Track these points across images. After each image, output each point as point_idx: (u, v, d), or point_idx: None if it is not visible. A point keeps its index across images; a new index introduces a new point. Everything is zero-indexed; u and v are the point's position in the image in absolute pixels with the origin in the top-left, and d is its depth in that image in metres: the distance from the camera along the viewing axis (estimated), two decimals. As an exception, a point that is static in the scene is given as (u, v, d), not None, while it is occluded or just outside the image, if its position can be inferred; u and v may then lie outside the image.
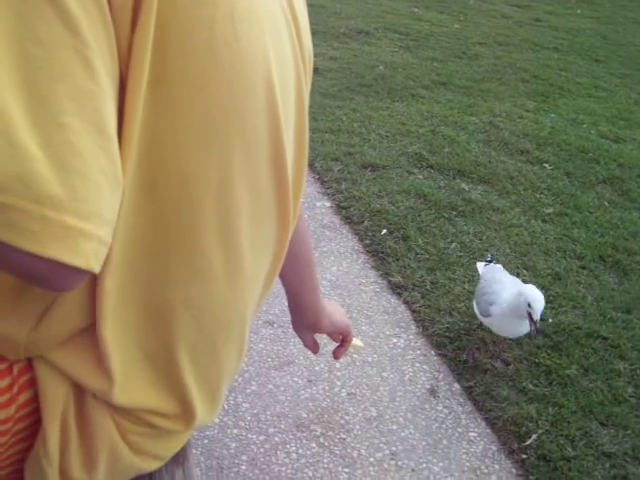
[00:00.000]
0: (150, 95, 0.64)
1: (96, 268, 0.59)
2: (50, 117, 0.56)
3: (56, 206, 0.55)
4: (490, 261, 2.59)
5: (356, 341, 1.31)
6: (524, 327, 2.24)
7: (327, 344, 2.40)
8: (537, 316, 2.14)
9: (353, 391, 2.23)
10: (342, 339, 1.28)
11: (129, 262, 0.70)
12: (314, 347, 1.27)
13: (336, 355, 1.29)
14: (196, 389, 0.81)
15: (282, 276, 1.12)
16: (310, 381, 2.25)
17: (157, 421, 0.80)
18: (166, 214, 0.69)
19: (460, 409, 2.20)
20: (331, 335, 1.27)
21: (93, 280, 0.68)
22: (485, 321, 2.33)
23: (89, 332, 0.72)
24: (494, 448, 2.07)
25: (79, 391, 0.76)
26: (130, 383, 0.75)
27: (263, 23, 0.71)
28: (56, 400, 0.74)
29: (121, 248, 0.68)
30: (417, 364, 2.38)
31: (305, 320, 1.20)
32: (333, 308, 1.23)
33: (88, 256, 0.58)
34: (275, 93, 0.73)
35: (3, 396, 0.73)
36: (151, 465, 0.86)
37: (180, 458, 0.93)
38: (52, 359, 0.73)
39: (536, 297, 2.16)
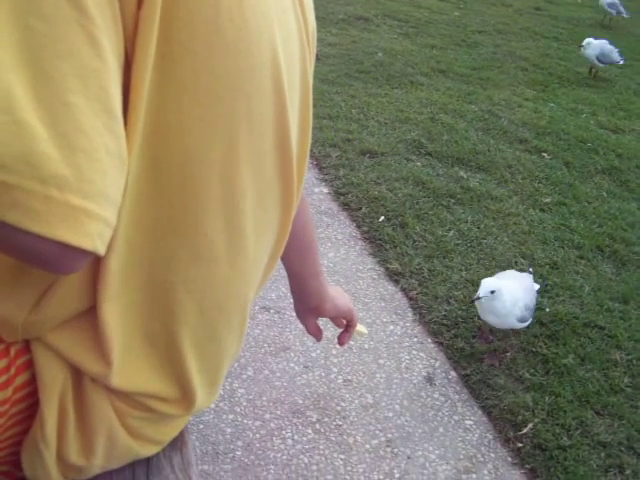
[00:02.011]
0: (156, 74, 0.62)
1: (102, 250, 0.58)
2: (55, 95, 0.54)
3: (61, 186, 0.54)
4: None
5: (360, 327, 1.29)
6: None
7: (324, 330, 2.39)
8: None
9: (349, 378, 2.22)
10: (346, 324, 1.26)
11: (132, 243, 0.69)
12: (317, 333, 1.25)
13: (341, 341, 1.26)
14: (197, 373, 0.80)
15: (285, 260, 1.11)
16: (306, 367, 2.24)
17: (156, 405, 0.79)
18: (170, 195, 0.68)
19: (456, 397, 2.20)
20: (334, 320, 1.25)
21: (93, 262, 0.67)
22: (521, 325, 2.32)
23: (88, 315, 0.71)
24: (490, 436, 2.07)
25: (77, 374, 0.74)
26: (129, 367, 0.74)
27: (269, 1, 0.70)
28: (53, 383, 0.73)
29: (124, 229, 0.67)
30: (414, 352, 2.38)
31: (308, 304, 1.19)
32: (337, 292, 1.21)
33: (94, 237, 0.56)
34: (281, 72, 0.72)
35: (0, 378, 0.72)
36: (149, 450, 0.85)
37: (178, 443, 0.93)
38: (50, 341, 0.72)
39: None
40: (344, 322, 1.26)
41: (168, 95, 0.64)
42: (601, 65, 5.55)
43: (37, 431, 0.75)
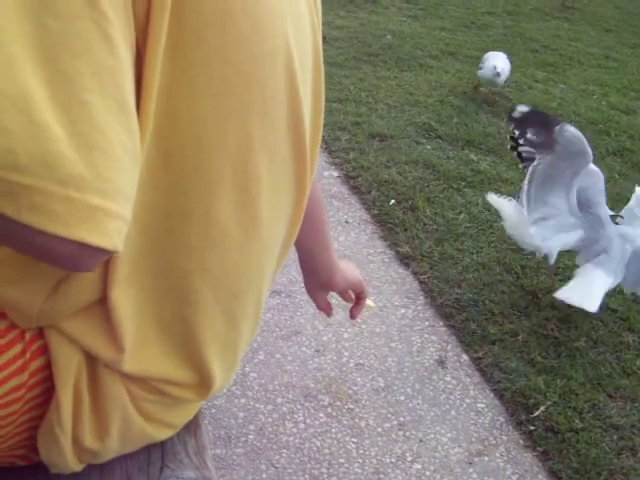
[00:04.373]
0: (167, 63, 0.62)
1: (120, 247, 0.58)
2: (72, 94, 0.54)
3: (80, 186, 0.54)
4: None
5: (369, 301, 1.29)
6: None
7: (334, 314, 2.39)
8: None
9: (361, 361, 2.23)
10: (357, 297, 1.25)
11: (144, 231, 0.68)
12: (327, 309, 1.24)
13: (353, 314, 1.25)
14: (214, 359, 0.80)
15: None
16: (318, 351, 2.24)
17: (171, 390, 0.79)
18: (182, 184, 0.68)
19: (468, 380, 2.20)
20: (343, 294, 1.24)
21: None
22: None
23: (101, 302, 0.71)
24: (502, 419, 2.07)
25: (91, 358, 0.75)
26: (143, 353, 0.74)
27: None
28: (68, 367, 0.73)
29: (137, 216, 0.66)
30: (425, 335, 2.38)
31: (318, 278, 1.18)
32: (346, 265, 1.21)
33: (113, 236, 0.56)
34: (293, 58, 0.72)
35: (15, 363, 0.72)
36: (164, 434, 0.85)
37: (192, 427, 0.93)
38: (63, 327, 0.72)
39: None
40: (352, 296, 1.25)
41: (181, 84, 0.63)
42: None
43: (53, 416, 0.75)
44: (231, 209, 0.72)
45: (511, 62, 4.27)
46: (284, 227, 0.84)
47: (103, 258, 0.60)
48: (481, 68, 4.23)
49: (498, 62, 4.09)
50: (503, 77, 4.15)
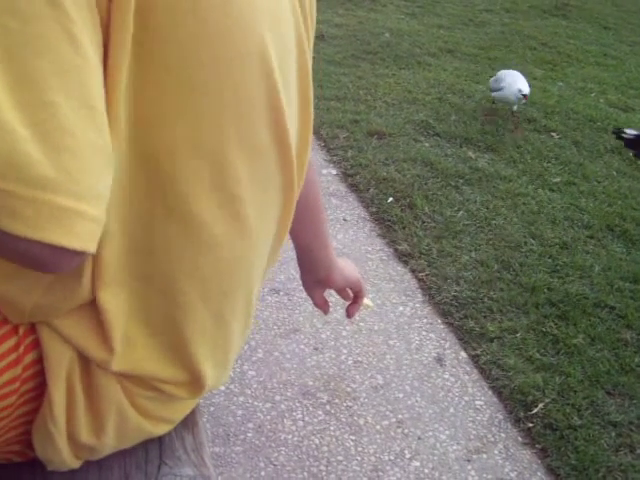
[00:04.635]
0: (135, 64, 0.62)
1: (92, 249, 0.58)
2: (36, 95, 0.54)
3: (49, 188, 0.53)
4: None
5: (367, 300, 1.28)
6: None
7: (333, 312, 2.40)
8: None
9: (359, 359, 2.23)
10: (354, 296, 1.25)
11: (127, 234, 0.68)
12: (324, 306, 1.24)
13: (350, 313, 1.25)
14: (204, 359, 0.80)
15: (293, 232, 1.10)
16: (316, 349, 2.24)
17: (164, 387, 0.79)
18: (160, 185, 0.68)
19: (467, 377, 2.20)
20: (341, 292, 1.24)
21: None
22: None
23: (92, 302, 0.71)
24: (500, 417, 2.07)
25: (84, 354, 0.74)
26: (132, 353, 0.74)
27: None
28: (60, 363, 0.73)
29: (119, 221, 0.67)
30: (424, 332, 2.38)
31: (316, 275, 1.18)
32: (345, 263, 1.20)
33: (84, 237, 0.56)
34: (270, 60, 0.71)
35: (10, 356, 0.72)
36: (161, 429, 0.85)
37: (190, 424, 0.93)
38: (55, 325, 0.72)
39: None
40: (350, 294, 1.24)
41: (150, 86, 0.63)
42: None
43: (46, 411, 0.75)
44: (213, 209, 0.71)
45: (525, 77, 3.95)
46: (273, 226, 0.83)
47: (78, 259, 0.59)
48: (499, 89, 3.86)
49: (521, 85, 3.77)
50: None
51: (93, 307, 0.71)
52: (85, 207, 0.55)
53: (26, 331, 0.74)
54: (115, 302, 0.71)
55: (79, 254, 0.57)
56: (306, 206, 1.02)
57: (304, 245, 1.14)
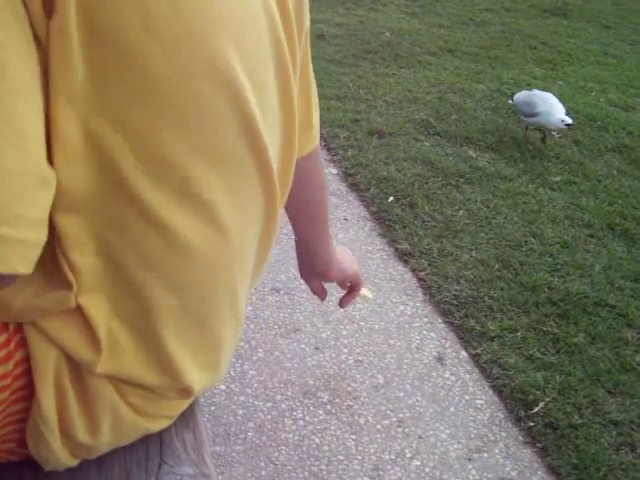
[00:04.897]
0: (89, 79, 0.61)
1: (23, 270, 0.59)
2: None
3: None
4: None
5: (365, 291, 1.27)
6: None
7: (334, 311, 2.40)
8: None
9: (360, 358, 2.23)
10: (350, 287, 1.24)
11: (102, 242, 0.69)
12: (321, 293, 1.23)
13: (342, 303, 1.24)
14: (187, 363, 0.79)
15: (293, 224, 1.09)
16: (317, 348, 2.24)
17: (153, 388, 0.79)
18: (127, 194, 0.67)
19: (467, 377, 2.20)
20: (341, 284, 1.23)
21: None
22: None
23: (78, 307, 0.72)
24: (501, 416, 2.07)
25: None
26: (116, 356, 0.74)
27: None
28: (46, 362, 0.73)
29: (92, 228, 0.67)
30: (424, 332, 2.38)
31: (313, 269, 1.17)
32: (343, 255, 1.19)
33: (10, 260, 0.57)
34: (233, 70, 0.69)
35: (0, 352, 0.72)
36: (159, 424, 0.85)
37: (190, 422, 0.93)
38: (42, 327, 0.73)
39: None
40: (348, 285, 1.24)
41: (105, 100, 0.63)
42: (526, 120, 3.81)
43: (36, 410, 0.75)
44: (185, 215, 0.71)
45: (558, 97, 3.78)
46: (257, 232, 0.82)
47: (9, 280, 0.60)
48: (534, 115, 3.64)
49: (561, 113, 3.57)
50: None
51: (78, 311, 0.71)
52: (11, 231, 0.56)
53: (16, 328, 0.73)
54: (97, 308, 0.71)
55: (9, 276, 0.58)
56: (304, 197, 1.01)
57: (301, 236, 1.13)
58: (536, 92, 3.83)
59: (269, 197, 0.81)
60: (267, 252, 0.89)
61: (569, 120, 3.57)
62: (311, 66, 0.97)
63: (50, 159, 0.62)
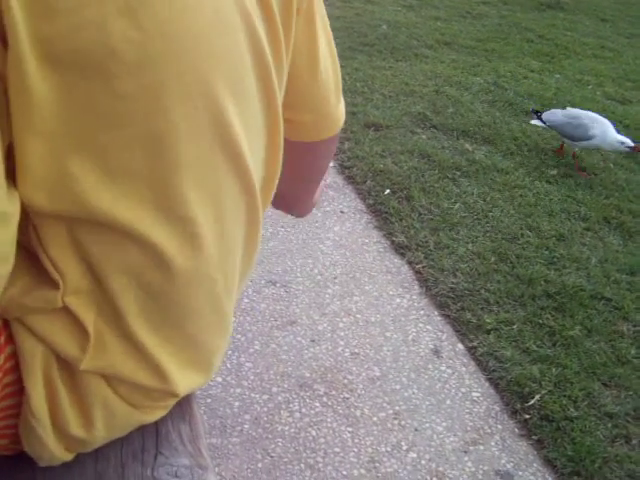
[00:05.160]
0: (56, 105, 0.62)
1: None
2: None
3: None
4: None
5: None
6: None
7: (330, 304, 2.40)
8: None
9: (356, 351, 2.23)
10: None
11: (80, 247, 0.69)
12: None
13: None
14: (174, 366, 0.79)
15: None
16: (313, 341, 2.24)
17: (141, 385, 0.79)
18: (106, 211, 0.68)
19: (463, 369, 2.20)
20: None
21: None
22: None
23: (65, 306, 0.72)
24: (497, 408, 2.07)
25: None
26: (101, 354, 0.74)
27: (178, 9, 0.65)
28: (33, 357, 0.73)
29: (66, 234, 0.68)
30: (420, 324, 2.38)
31: (285, 211, 1.22)
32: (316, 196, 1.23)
33: None
34: (209, 84, 0.69)
35: None
36: (153, 415, 0.84)
37: (186, 414, 0.93)
38: (29, 323, 0.72)
39: None
40: None
41: (76, 120, 0.63)
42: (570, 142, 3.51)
43: (26, 406, 0.75)
44: (161, 229, 0.71)
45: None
46: (240, 235, 0.82)
47: None
48: (588, 138, 3.33)
49: (618, 135, 3.33)
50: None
51: (65, 310, 0.72)
52: None
53: (5, 323, 0.73)
54: (83, 307, 0.72)
55: None
56: (295, 160, 1.01)
57: (280, 191, 1.13)
58: (582, 113, 3.48)
59: (251, 206, 0.81)
60: (253, 256, 0.89)
61: (630, 143, 3.27)
62: (333, 45, 1.00)
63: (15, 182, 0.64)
